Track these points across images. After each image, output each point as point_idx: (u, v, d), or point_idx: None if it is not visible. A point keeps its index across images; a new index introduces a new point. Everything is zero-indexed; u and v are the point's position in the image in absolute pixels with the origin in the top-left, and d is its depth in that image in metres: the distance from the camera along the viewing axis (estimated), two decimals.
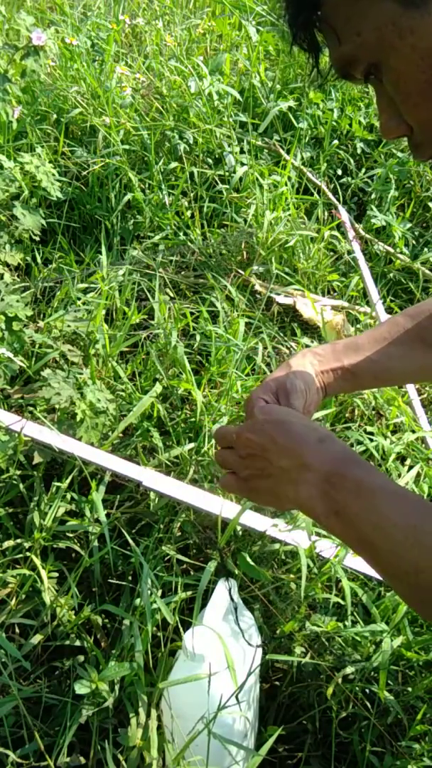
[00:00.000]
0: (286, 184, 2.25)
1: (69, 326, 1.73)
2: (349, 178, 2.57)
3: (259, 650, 1.11)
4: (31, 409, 1.57)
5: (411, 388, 1.82)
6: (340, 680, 1.21)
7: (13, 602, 1.31)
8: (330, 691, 1.18)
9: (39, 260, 2.08)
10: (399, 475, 1.53)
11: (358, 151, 2.61)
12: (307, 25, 0.65)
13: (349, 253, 2.26)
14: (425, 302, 0.96)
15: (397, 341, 0.93)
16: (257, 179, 2.27)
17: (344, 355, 0.91)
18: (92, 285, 1.94)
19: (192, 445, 1.51)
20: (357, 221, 2.44)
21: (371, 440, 1.58)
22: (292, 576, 1.32)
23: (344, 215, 2.36)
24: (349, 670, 1.21)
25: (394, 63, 0.60)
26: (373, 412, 1.74)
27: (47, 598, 1.28)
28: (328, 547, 1.28)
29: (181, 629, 1.23)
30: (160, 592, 1.28)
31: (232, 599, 1.07)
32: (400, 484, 0.68)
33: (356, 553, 0.69)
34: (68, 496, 1.42)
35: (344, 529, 0.68)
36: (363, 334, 0.95)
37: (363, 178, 2.55)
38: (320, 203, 2.35)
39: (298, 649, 1.25)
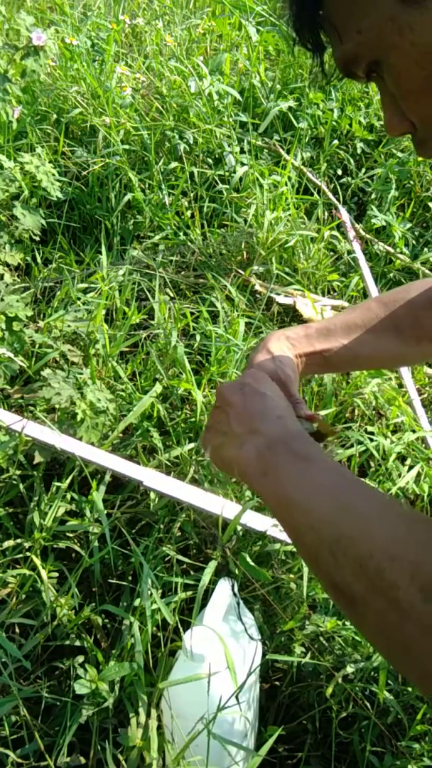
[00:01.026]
0: (286, 184, 2.25)
1: (69, 326, 1.73)
2: (349, 178, 2.57)
3: (259, 650, 1.11)
4: (31, 409, 1.57)
5: (411, 388, 1.82)
6: (340, 680, 1.21)
7: (13, 602, 1.31)
8: (330, 691, 1.18)
9: (39, 260, 2.08)
10: (399, 475, 1.53)
11: (358, 151, 2.61)
12: (310, 24, 0.65)
13: (349, 253, 2.26)
14: (398, 290, 0.97)
15: (371, 329, 0.93)
16: (257, 179, 2.27)
17: (317, 340, 0.92)
18: (92, 285, 1.94)
19: (192, 445, 1.51)
20: (357, 221, 2.44)
21: (371, 440, 1.58)
22: (292, 576, 1.32)
23: (344, 215, 2.36)
24: (349, 669, 1.21)
25: (394, 60, 0.60)
26: (374, 412, 1.74)
27: (47, 598, 1.28)
28: None
29: (181, 629, 1.23)
30: (160, 592, 1.28)
31: (235, 594, 1.07)
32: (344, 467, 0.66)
33: (276, 516, 0.66)
34: (68, 496, 1.42)
35: (270, 489, 0.65)
36: (335, 318, 0.95)
37: (363, 178, 2.55)
38: (320, 203, 2.35)
39: (298, 649, 1.25)
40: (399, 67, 0.61)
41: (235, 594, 1.07)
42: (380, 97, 0.67)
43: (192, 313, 1.90)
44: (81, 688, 1.13)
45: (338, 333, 0.93)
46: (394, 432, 1.71)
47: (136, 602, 1.26)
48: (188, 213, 2.26)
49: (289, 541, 1.31)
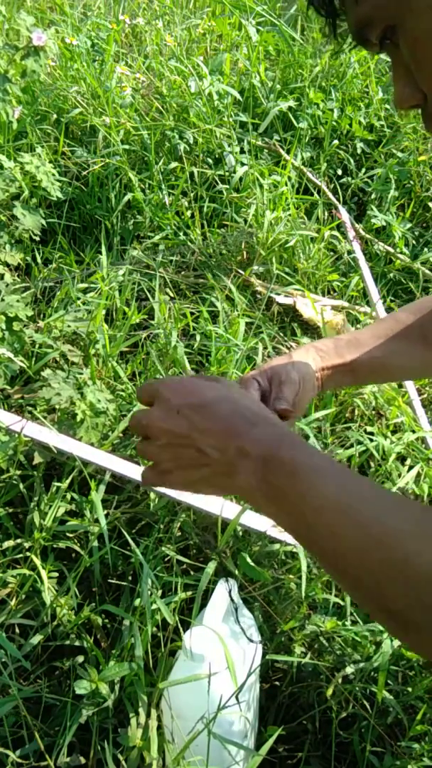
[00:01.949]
0: (286, 184, 2.25)
1: (69, 326, 1.73)
2: (349, 178, 2.57)
3: (259, 650, 1.11)
4: (31, 409, 1.57)
5: (411, 388, 1.82)
6: (340, 680, 1.21)
7: (13, 602, 1.31)
8: (330, 691, 1.18)
9: (39, 260, 2.08)
10: (399, 475, 1.53)
11: (358, 151, 2.61)
12: None
13: (349, 253, 2.26)
14: (426, 298, 0.96)
15: (398, 337, 0.92)
16: (257, 179, 2.27)
17: (346, 351, 0.91)
18: (92, 285, 1.94)
19: None
20: (357, 221, 2.44)
21: (371, 440, 1.58)
22: (292, 576, 1.32)
23: (344, 215, 2.36)
24: (349, 670, 1.21)
25: (410, 25, 0.58)
26: (373, 412, 1.74)
27: (47, 598, 1.28)
28: None
29: (180, 629, 1.23)
30: (160, 593, 1.28)
31: (232, 600, 1.07)
32: (340, 463, 0.64)
33: (299, 540, 0.62)
34: (68, 496, 1.42)
35: (284, 515, 0.62)
36: (364, 330, 0.94)
37: (363, 178, 2.55)
38: (320, 203, 2.35)
39: (298, 649, 1.25)
40: (416, 32, 0.58)
41: (232, 600, 1.07)
42: (392, 68, 0.63)
43: (192, 313, 1.90)
44: (81, 688, 1.13)
45: (367, 343, 0.91)
46: (393, 432, 1.71)
47: (136, 602, 1.26)
48: (188, 213, 2.26)
49: (288, 541, 1.31)
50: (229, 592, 1.05)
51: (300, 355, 0.88)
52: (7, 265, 1.88)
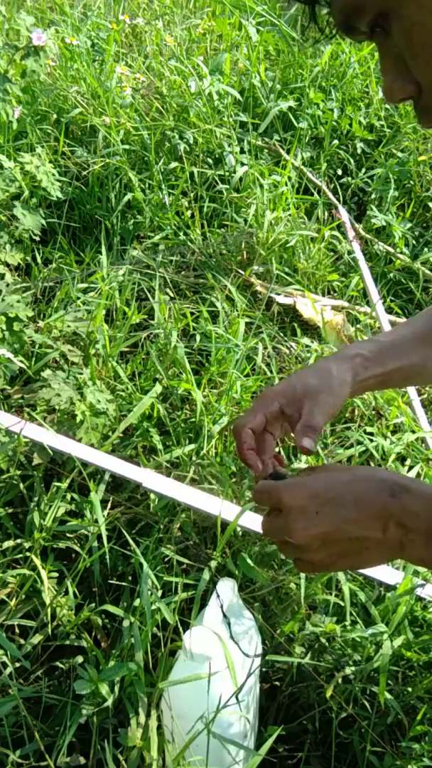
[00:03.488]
0: (286, 184, 2.25)
1: (69, 326, 1.73)
2: (349, 178, 2.57)
3: (259, 650, 1.11)
4: (30, 410, 1.57)
5: (411, 389, 1.82)
6: (340, 680, 1.21)
7: (13, 602, 1.31)
8: (330, 691, 1.18)
9: (39, 260, 2.08)
10: None
11: (358, 151, 2.61)
12: None
13: (349, 253, 2.26)
14: None
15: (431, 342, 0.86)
16: (257, 179, 2.27)
17: (389, 358, 0.83)
18: (92, 285, 1.94)
19: (192, 446, 1.51)
20: (357, 221, 2.44)
21: (371, 440, 1.58)
22: (292, 576, 1.32)
23: (344, 215, 2.36)
24: (349, 670, 1.21)
25: (407, 11, 0.54)
26: (373, 413, 1.74)
27: (47, 598, 1.28)
28: None
29: (180, 629, 1.23)
30: (160, 593, 1.28)
31: (224, 615, 1.06)
32: None
33: None
34: (68, 496, 1.42)
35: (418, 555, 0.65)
36: (406, 329, 0.87)
37: (363, 178, 2.55)
38: (320, 203, 2.35)
39: (298, 649, 1.25)
40: (413, 19, 0.54)
41: (224, 615, 1.07)
42: (380, 59, 0.59)
43: (192, 313, 1.90)
44: (81, 688, 1.13)
45: (409, 348, 0.84)
46: (393, 432, 1.71)
47: (136, 602, 1.26)
48: (188, 213, 2.26)
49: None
50: (221, 606, 1.05)
51: (337, 368, 0.80)
52: (7, 265, 1.88)
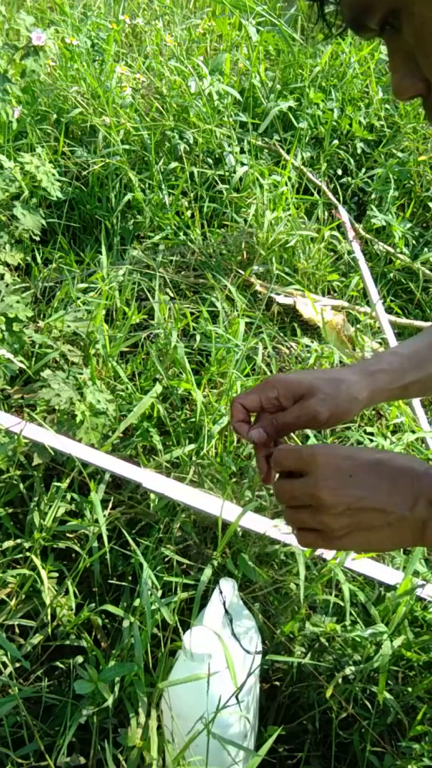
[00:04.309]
0: (286, 184, 2.25)
1: (69, 326, 1.73)
2: (349, 178, 2.57)
3: (259, 650, 1.11)
4: (30, 410, 1.57)
5: None
6: (340, 680, 1.21)
7: (13, 602, 1.31)
8: (330, 691, 1.18)
9: (39, 260, 2.08)
10: None
11: (358, 151, 2.61)
12: None
13: (349, 253, 2.26)
14: None
15: None
16: (257, 179, 2.27)
17: (410, 372, 0.82)
18: (92, 285, 1.94)
19: (192, 446, 1.51)
20: (357, 221, 2.44)
21: (371, 440, 1.58)
22: (292, 577, 1.32)
23: (344, 215, 2.36)
24: (349, 670, 1.21)
25: (418, 9, 0.53)
26: (373, 413, 1.74)
27: (47, 598, 1.28)
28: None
29: (180, 629, 1.23)
30: (160, 593, 1.28)
31: (226, 611, 1.06)
32: None
33: None
34: (68, 496, 1.42)
35: None
36: (424, 341, 0.85)
37: (363, 178, 2.55)
38: (320, 203, 2.35)
39: (298, 649, 1.25)
40: (424, 16, 0.53)
41: (227, 611, 1.07)
42: (390, 56, 0.59)
43: (192, 313, 1.90)
44: (81, 688, 1.13)
45: (427, 358, 0.83)
46: (393, 432, 1.71)
47: (136, 602, 1.26)
48: (188, 213, 2.26)
49: (288, 542, 1.31)
50: (223, 603, 1.05)
51: (353, 382, 0.77)
52: (7, 265, 1.88)
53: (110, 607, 1.27)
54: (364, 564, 1.30)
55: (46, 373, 1.52)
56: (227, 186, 2.28)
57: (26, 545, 1.35)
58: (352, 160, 2.59)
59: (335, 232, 2.29)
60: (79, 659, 1.26)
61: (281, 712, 1.28)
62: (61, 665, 1.28)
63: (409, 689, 1.23)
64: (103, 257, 1.94)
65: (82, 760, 1.18)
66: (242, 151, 2.39)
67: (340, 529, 0.66)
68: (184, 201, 2.27)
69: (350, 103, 2.67)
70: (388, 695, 1.19)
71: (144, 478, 1.39)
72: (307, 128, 2.53)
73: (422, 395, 0.90)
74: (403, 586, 1.20)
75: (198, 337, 1.82)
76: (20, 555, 1.35)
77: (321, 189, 2.43)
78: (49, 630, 1.28)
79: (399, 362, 0.82)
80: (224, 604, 1.05)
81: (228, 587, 1.08)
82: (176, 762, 1.05)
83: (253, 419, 0.79)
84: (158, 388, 1.58)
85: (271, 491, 1.43)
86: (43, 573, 1.30)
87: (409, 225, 2.39)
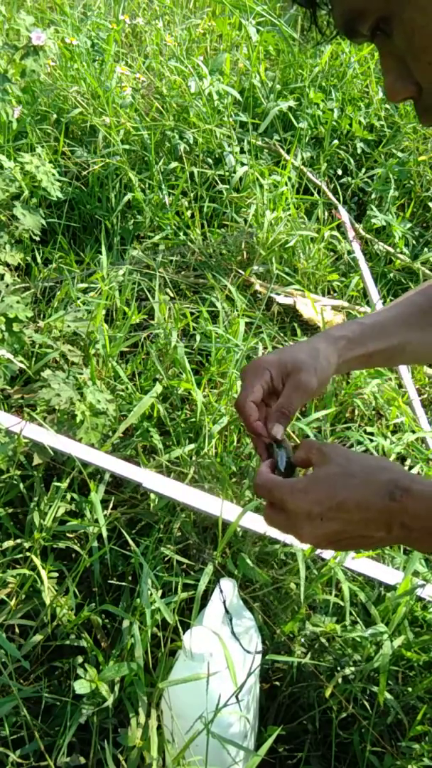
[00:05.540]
0: (286, 184, 2.25)
1: (69, 326, 1.73)
2: (349, 178, 2.57)
3: (259, 650, 1.11)
4: (30, 410, 1.57)
5: (411, 388, 1.82)
6: (340, 680, 1.21)
7: (13, 602, 1.31)
8: (330, 691, 1.18)
9: (39, 260, 2.08)
10: None
11: (358, 151, 2.61)
12: None
13: (349, 253, 2.26)
14: None
15: (416, 325, 0.90)
16: (257, 179, 2.27)
17: (371, 339, 0.87)
18: (92, 285, 1.94)
19: (192, 446, 1.51)
20: (357, 221, 2.44)
21: (371, 440, 1.58)
22: (292, 576, 1.32)
23: (344, 215, 2.36)
24: (349, 670, 1.21)
25: (409, 15, 0.55)
26: (373, 413, 1.74)
27: (47, 598, 1.28)
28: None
29: (180, 629, 1.23)
30: (159, 593, 1.28)
31: (227, 610, 1.06)
32: None
33: None
34: (68, 496, 1.42)
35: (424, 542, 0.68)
36: (387, 312, 0.90)
37: (363, 178, 2.55)
38: (320, 203, 2.35)
39: (298, 649, 1.25)
40: (414, 22, 0.55)
41: (227, 611, 1.07)
42: (381, 59, 0.60)
43: (192, 313, 1.90)
44: (81, 688, 1.13)
45: (391, 331, 0.88)
46: (393, 432, 1.71)
47: (136, 602, 1.26)
48: (188, 213, 2.26)
49: (288, 541, 1.31)
50: (224, 602, 1.05)
51: (324, 348, 0.83)
52: (7, 265, 1.88)
53: (110, 607, 1.27)
54: (364, 564, 1.30)
55: (46, 373, 1.52)
56: (227, 186, 2.28)
57: (26, 545, 1.35)
58: (352, 160, 2.59)
59: (335, 232, 2.29)
60: (79, 659, 1.25)
61: (281, 712, 1.28)
62: (61, 665, 1.28)
63: (409, 689, 1.23)
64: (103, 257, 1.94)
65: (82, 760, 1.18)
66: (242, 151, 2.39)
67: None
68: (184, 201, 2.27)
69: (350, 103, 2.67)
70: (388, 695, 1.19)
71: (144, 478, 1.39)
72: (307, 128, 2.53)
73: (386, 365, 0.96)
74: (403, 586, 1.20)
75: (198, 337, 1.82)
76: (20, 555, 1.35)
77: (321, 189, 2.43)
78: (49, 630, 1.27)
79: (360, 330, 0.87)
80: (224, 603, 1.05)
81: (228, 587, 1.08)
82: (176, 762, 1.05)
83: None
84: (158, 388, 1.58)
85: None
86: (43, 573, 1.30)
87: (409, 225, 2.39)
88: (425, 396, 1.90)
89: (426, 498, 0.66)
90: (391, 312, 0.91)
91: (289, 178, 2.31)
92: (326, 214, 2.37)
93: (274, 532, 1.30)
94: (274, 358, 0.82)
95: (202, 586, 1.23)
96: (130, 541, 1.31)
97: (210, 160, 2.36)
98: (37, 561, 1.30)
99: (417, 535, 0.66)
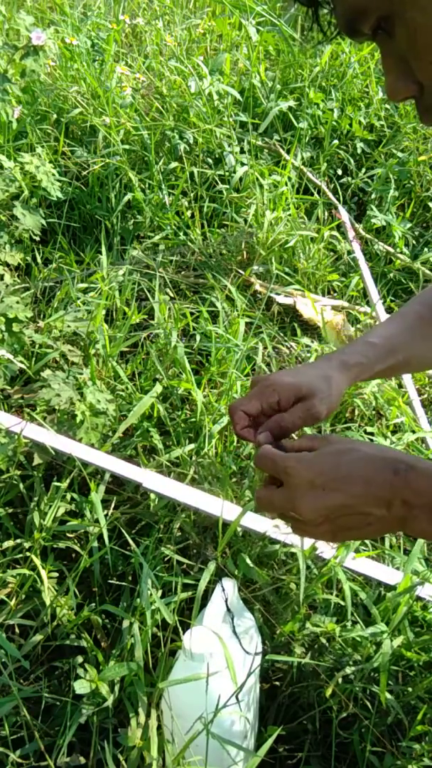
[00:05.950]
0: (286, 184, 2.25)
1: (69, 326, 1.73)
2: (349, 178, 2.57)
3: (259, 650, 1.11)
4: (30, 410, 1.57)
5: (411, 388, 1.82)
6: (340, 680, 1.21)
7: (13, 602, 1.31)
8: (330, 691, 1.18)
9: (39, 260, 2.08)
10: None
11: (358, 151, 2.61)
12: None
13: (349, 253, 2.26)
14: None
15: (419, 337, 0.90)
16: (257, 179, 2.27)
17: (379, 361, 0.87)
18: (92, 285, 1.94)
19: (192, 446, 1.51)
20: (357, 221, 2.44)
21: (372, 440, 1.58)
22: (292, 576, 1.32)
23: (344, 215, 2.36)
24: (349, 670, 1.21)
25: (411, 15, 0.55)
26: (373, 413, 1.74)
27: (47, 598, 1.28)
28: (328, 548, 1.28)
29: (180, 629, 1.23)
30: (159, 593, 1.28)
31: (228, 609, 1.06)
32: None
33: None
34: (68, 496, 1.42)
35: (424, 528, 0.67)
36: (394, 327, 0.90)
37: (363, 178, 2.55)
38: (320, 203, 2.35)
39: (298, 649, 1.25)
40: (416, 22, 0.55)
41: (228, 609, 1.07)
42: (382, 59, 0.60)
43: (192, 313, 1.90)
44: (81, 688, 1.13)
45: (398, 349, 0.88)
46: (393, 432, 1.71)
47: (136, 602, 1.26)
48: (188, 213, 2.26)
49: (288, 541, 1.31)
50: (225, 601, 1.05)
51: (337, 377, 0.82)
52: (7, 265, 1.88)
53: (110, 607, 1.27)
54: (364, 564, 1.30)
55: (46, 373, 1.52)
56: (227, 186, 2.28)
57: (26, 545, 1.35)
58: (352, 160, 2.59)
59: (335, 232, 2.29)
60: (79, 659, 1.25)
61: (281, 712, 1.28)
62: (61, 665, 1.28)
63: (409, 689, 1.23)
64: (103, 257, 1.94)
65: (82, 760, 1.18)
66: (242, 151, 2.39)
67: (323, 534, 0.70)
68: (184, 201, 2.27)
69: (350, 103, 2.67)
70: (388, 695, 1.19)
71: (144, 478, 1.39)
72: (307, 128, 2.53)
73: (390, 377, 0.96)
74: (403, 586, 1.20)
75: (198, 337, 1.82)
76: (20, 555, 1.35)
77: (321, 189, 2.43)
78: (49, 630, 1.28)
79: (374, 354, 0.87)
80: (226, 601, 1.05)
81: (229, 586, 1.08)
82: (176, 762, 1.05)
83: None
84: (158, 388, 1.58)
85: None
86: (43, 573, 1.30)
87: (409, 225, 2.39)
88: (425, 396, 1.90)
89: (430, 475, 0.66)
90: (396, 327, 0.91)
91: (289, 178, 2.31)
92: (326, 214, 2.37)
93: (273, 532, 1.30)
94: (290, 381, 0.80)
95: (203, 585, 1.23)
96: (130, 541, 1.31)
97: (210, 160, 2.36)
98: (37, 561, 1.30)
99: (417, 512, 0.66)
